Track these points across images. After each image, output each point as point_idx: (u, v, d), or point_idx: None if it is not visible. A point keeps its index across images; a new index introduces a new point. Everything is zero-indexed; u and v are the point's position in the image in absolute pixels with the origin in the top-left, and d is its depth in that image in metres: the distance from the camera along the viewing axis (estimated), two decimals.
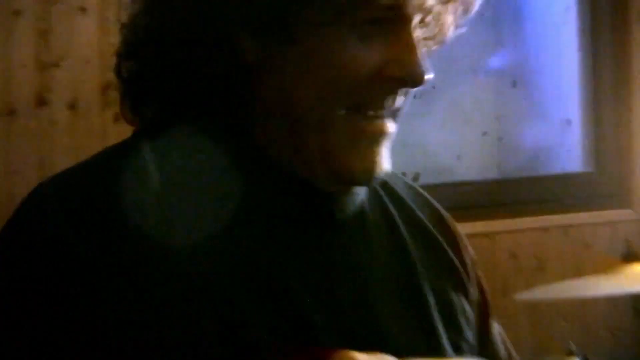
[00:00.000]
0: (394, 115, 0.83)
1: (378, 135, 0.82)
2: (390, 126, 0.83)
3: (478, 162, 2.64)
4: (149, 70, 0.82)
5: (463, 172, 2.61)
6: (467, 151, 2.62)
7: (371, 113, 0.82)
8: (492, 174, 2.66)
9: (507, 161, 2.68)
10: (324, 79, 0.79)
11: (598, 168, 2.74)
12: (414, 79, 0.81)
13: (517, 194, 2.62)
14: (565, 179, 2.70)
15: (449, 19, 0.86)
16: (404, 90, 0.82)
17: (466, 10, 0.87)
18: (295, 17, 0.77)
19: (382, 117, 0.82)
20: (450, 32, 0.87)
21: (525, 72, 2.71)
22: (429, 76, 0.81)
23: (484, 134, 2.65)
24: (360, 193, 0.87)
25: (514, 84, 2.69)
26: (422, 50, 0.81)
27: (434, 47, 0.87)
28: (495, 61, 2.66)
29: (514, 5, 2.70)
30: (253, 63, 0.80)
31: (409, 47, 0.80)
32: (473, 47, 2.56)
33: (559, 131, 2.75)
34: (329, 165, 0.81)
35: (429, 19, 0.84)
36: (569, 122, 2.75)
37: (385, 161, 0.82)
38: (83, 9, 2.16)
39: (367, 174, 0.82)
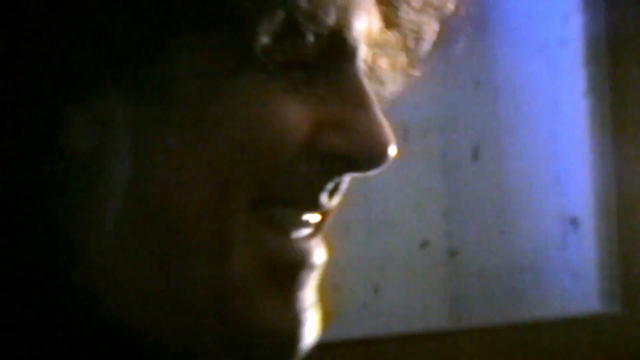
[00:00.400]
0: (320, 226, 0.63)
1: (302, 267, 0.61)
2: (321, 249, 0.62)
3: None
4: None
5: (385, 318, 1.96)
6: (393, 277, 1.97)
7: (291, 219, 0.61)
8: (438, 319, 2.02)
9: (466, 295, 2.03)
10: (221, 156, 0.58)
11: (627, 306, 2.11)
12: (370, 156, 0.60)
13: (484, 356, 1.97)
14: (569, 328, 2.08)
15: (400, 58, 0.70)
16: (347, 177, 0.62)
17: (420, 39, 0.70)
18: (169, 66, 0.57)
19: (308, 231, 0.62)
20: (402, 78, 0.71)
21: (494, 132, 2.06)
22: (393, 151, 0.61)
23: (424, 244, 2.00)
24: None
25: (475, 154, 2.03)
26: (379, 106, 0.62)
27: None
28: (440, 113, 2.02)
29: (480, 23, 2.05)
30: (88, 153, 0.60)
31: (359, 98, 0.61)
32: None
33: (558, 239, 2.11)
34: (222, 321, 0.61)
35: (375, 55, 0.68)
36: (574, 222, 2.11)
37: (315, 319, 0.62)
38: None
39: (284, 341, 0.61)
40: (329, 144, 0.61)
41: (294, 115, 0.60)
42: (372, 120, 0.61)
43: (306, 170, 0.61)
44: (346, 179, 0.63)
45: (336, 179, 0.62)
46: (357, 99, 0.62)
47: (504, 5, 2.08)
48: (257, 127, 0.59)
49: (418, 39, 0.71)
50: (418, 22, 0.71)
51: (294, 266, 0.62)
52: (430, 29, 0.71)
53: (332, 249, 0.65)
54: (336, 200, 0.64)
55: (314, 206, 0.62)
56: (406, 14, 0.70)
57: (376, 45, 0.68)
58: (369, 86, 0.62)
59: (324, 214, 0.64)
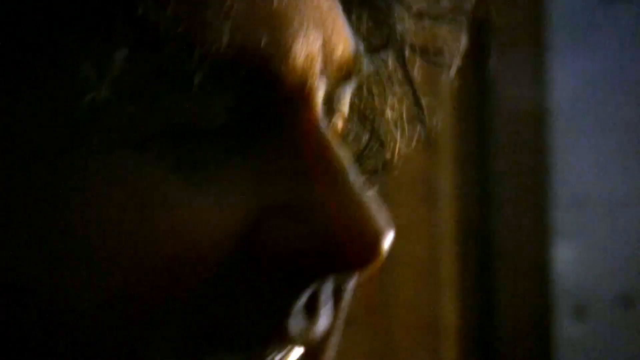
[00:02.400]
0: None
1: None
2: None
3: None
4: None
5: None
6: None
7: None
8: None
9: None
10: (111, 277, 0.34)
11: None
12: (348, 250, 0.36)
13: None
14: None
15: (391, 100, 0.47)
16: (328, 283, 0.37)
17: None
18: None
19: None
20: (411, 127, 0.48)
21: None
22: (387, 240, 0.36)
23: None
24: None
25: None
26: (358, 173, 0.38)
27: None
28: None
29: None
30: None
31: (321, 164, 0.37)
32: None
33: None
34: None
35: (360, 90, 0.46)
36: None
37: None
38: None
39: None
40: (280, 240, 0.36)
41: (219, 209, 0.36)
42: (346, 196, 0.36)
43: (250, 288, 0.36)
44: (330, 285, 0.38)
45: (306, 291, 0.37)
46: (317, 166, 0.37)
47: None
48: (162, 231, 0.35)
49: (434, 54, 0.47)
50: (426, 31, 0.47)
51: None
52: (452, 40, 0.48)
53: None
54: (327, 319, 0.38)
55: (281, 339, 0.37)
56: (403, 20, 0.46)
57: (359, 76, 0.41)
58: (337, 143, 0.38)
59: (311, 343, 0.38)
